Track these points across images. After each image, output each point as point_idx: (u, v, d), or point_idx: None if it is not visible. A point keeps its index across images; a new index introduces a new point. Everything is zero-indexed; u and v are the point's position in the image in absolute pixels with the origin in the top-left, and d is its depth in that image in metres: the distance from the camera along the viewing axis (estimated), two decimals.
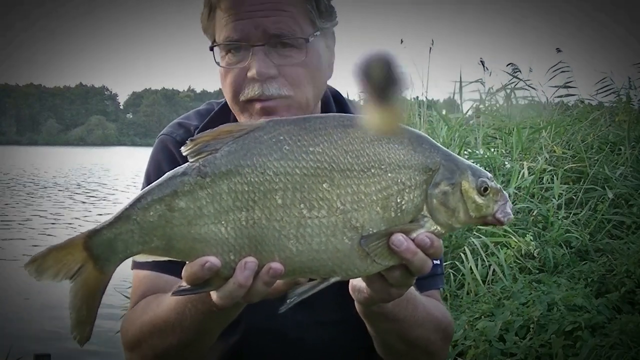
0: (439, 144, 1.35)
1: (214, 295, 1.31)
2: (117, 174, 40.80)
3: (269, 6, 1.62)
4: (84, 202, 24.55)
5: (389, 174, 1.28)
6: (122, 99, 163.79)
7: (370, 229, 1.28)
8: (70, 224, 17.88)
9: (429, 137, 1.35)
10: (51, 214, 20.54)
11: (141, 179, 1.86)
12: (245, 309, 1.60)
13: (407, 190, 1.29)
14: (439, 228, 1.31)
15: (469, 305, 5.20)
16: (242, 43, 1.64)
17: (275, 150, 1.26)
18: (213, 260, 1.24)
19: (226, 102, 1.80)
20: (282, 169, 1.25)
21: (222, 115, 1.80)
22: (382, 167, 1.28)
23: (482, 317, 4.87)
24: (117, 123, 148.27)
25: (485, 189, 1.33)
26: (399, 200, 1.28)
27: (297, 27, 1.64)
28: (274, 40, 1.63)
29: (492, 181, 1.34)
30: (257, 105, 1.64)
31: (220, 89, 1.75)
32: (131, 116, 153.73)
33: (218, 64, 1.69)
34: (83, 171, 44.30)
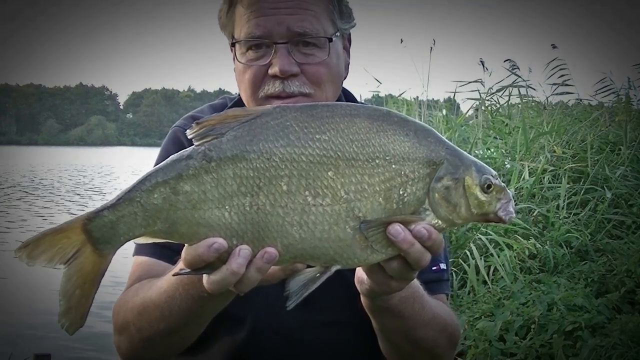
0: (445, 138, 1.34)
1: (205, 280, 1.30)
2: (117, 174, 40.74)
3: (293, 4, 1.62)
4: (83, 202, 24.52)
5: (393, 166, 1.28)
6: (122, 99, 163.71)
7: None
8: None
9: (436, 131, 1.35)
10: (51, 213, 20.52)
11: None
12: (251, 308, 1.58)
13: (410, 183, 1.28)
14: (439, 222, 1.31)
15: (469, 305, 5.20)
16: (264, 40, 1.63)
17: (281, 136, 1.25)
18: (221, 241, 1.23)
19: (240, 97, 1.80)
20: (288, 155, 1.25)
21: None
22: (387, 158, 1.27)
23: (482, 317, 4.88)
24: (117, 123, 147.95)
25: (489, 186, 1.32)
26: (401, 192, 1.28)
27: (320, 26, 1.64)
28: (297, 39, 1.63)
29: (497, 179, 1.33)
30: (277, 103, 1.62)
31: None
32: (131, 116, 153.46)
33: (237, 60, 1.68)
34: (83, 171, 44.25)
